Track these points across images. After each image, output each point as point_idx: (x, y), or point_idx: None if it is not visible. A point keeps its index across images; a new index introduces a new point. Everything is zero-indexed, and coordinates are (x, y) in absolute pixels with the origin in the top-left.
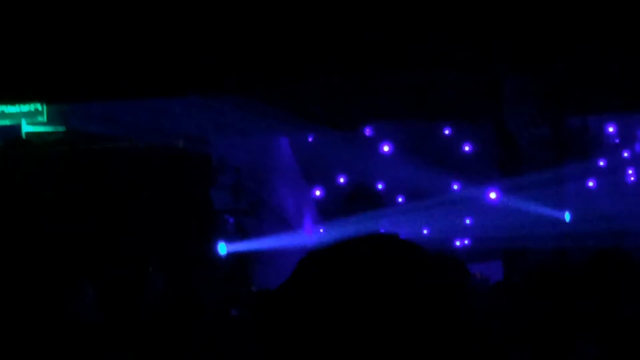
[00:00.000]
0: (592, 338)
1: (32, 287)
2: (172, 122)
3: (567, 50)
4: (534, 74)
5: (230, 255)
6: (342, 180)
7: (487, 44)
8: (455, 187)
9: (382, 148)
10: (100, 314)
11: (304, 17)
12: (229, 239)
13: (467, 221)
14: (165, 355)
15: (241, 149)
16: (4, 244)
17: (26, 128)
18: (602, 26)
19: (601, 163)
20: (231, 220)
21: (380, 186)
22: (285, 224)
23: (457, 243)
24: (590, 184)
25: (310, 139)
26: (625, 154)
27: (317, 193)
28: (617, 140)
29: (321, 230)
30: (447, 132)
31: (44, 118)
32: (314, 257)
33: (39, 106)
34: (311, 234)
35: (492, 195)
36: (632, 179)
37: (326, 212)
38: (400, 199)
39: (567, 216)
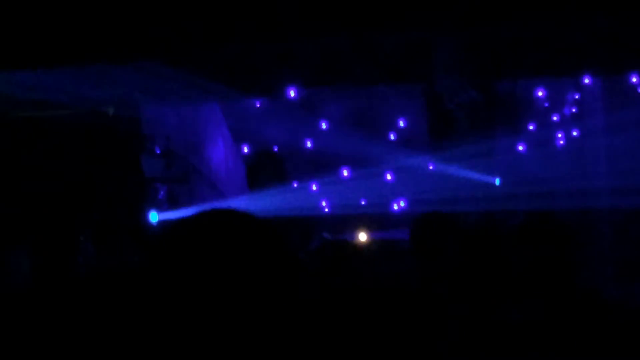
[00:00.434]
0: (517, 302)
1: None
2: (101, 89)
3: (498, 14)
4: (464, 38)
5: (161, 224)
6: (273, 144)
7: (417, 7)
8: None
9: (314, 112)
10: (32, 280)
11: None
12: (160, 207)
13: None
14: (95, 322)
15: (171, 115)
16: None
17: None
18: None
19: (531, 127)
20: (162, 188)
21: (309, 144)
22: (217, 191)
23: (395, 207)
24: (520, 148)
25: (241, 105)
26: (555, 118)
27: (246, 150)
28: (546, 104)
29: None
30: (378, 95)
31: None
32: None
33: None
34: (239, 201)
35: (431, 167)
36: (561, 142)
37: (256, 176)
38: (332, 162)
39: (497, 181)
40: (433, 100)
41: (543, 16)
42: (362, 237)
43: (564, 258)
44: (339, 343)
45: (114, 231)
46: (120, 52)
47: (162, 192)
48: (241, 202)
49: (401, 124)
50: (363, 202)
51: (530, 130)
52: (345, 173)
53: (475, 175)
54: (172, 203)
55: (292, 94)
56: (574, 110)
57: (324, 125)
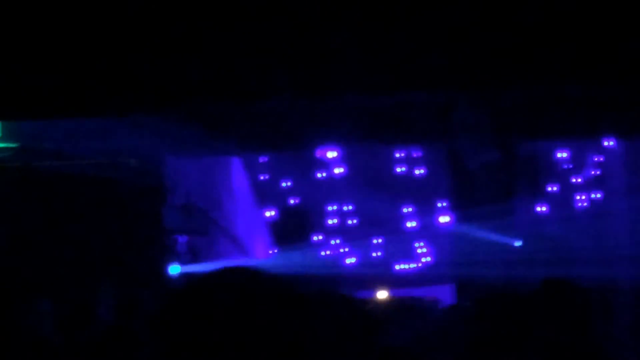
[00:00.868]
0: None
1: None
2: (125, 141)
3: (520, 76)
4: (486, 98)
5: (182, 276)
6: (292, 202)
7: (439, 68)
8: (406, 210)
9: (334, 170)
10: (56, 330)
11: (257, 38)
12: (180, 259)
13: (419, 244)
14: None
15: (193, 168)
16: None
17: None
18: (556, 54)
19: (551, 188)
20: (182, 240)
21: (331, 207)
22: (237, 245)
23: (409, 266)
24: (542, 209)
25: (262, 160)
26: (576, 180)
27: (268, 214)
28: (567, 166)
29: (272, 252)
30: (398, 155)
31: None
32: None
33: None
34: (263, 258)
35: (443, 219)
36: (582, 204)
37: (277, 234)
38: (352, 222)
39: (518, 243)
40: (454, 159)
41: (565, 78)
42: (382, 294)
43: (586, 328)
44: None
45: (135, 283)
46: (146, 104)
47: (182, 244)
48: (265, 260)
49: (422, 180)
50: (382, 258)
51: (551, 192)
52: (376, 241)
53: (495, 236)
54: (192, 255)
55: (327, 154)
56: (596, 172)
57: (343, 180)
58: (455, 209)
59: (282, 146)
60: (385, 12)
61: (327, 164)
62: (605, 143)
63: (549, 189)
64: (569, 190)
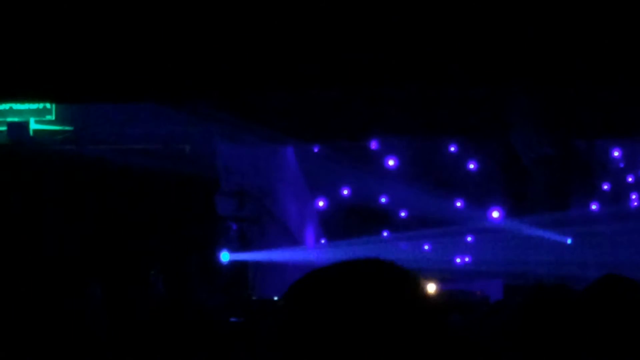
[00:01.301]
0: None
1: (39, 287)
2: (179, 127)
3: (577, 73)
4: (542, 94)
5: (231, 263)
6: (345, 192)
7: (496, 62)
8: (459, 204)
9: (387, 162)
10: (105, 315)
11: (312, 28)
12: (231, 246)
13: (469, 239)
14: (164, 358)
15: (246, 156)
16: (9, 242)
17: (34, 126)
18: (615, 52)
19: (605, 187)
20: (234, 227)
21: (383, 200)
22: (288, 234)
23: (458, 260)
24: (594, 207)
25: (315, 150)
26: (630, 179)
27: (321, 204)
28: (622, 165)
29: (322, 242)
30: (452, 149)
31: (52, 116)
32: (309, 278)
33: (47, 104)
34: (313, 250)
35: (495, 214)
36: (635, 204)
37: (328, 225)
38: (403, 214)
39: (568, 240)
40: (509, 154)
41: (621, 76)
42: (431, 287)
43: None
44: None
45: (185, 267)
46: (199, 91)
47: (233, 232)
48: (317, 251)
49: (475, 175)
50: (429, 252)
51: (605, 190)
52: (426, 234)
53: (547, 234)
54: (243, 243)
55: (372, 144)
56: None
57: (397, 173)
58: (507, 204)
59: (335, 137)
60: (440, 3)
61: (380, 156)
62: None
63: (603, 187)
64: (622, 189)
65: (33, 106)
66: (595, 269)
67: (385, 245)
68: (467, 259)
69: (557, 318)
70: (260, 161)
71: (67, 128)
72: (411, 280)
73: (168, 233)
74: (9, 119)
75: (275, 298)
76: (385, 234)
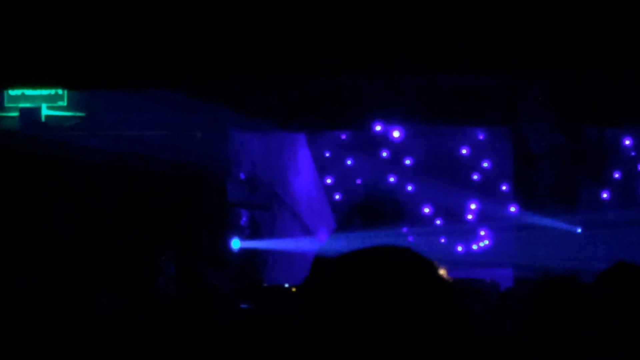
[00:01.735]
0: (595, 355)
1: (53, 274)
2: (191, 114)
3: (588, 60)
4: (552, 81)
5: (242, 250)
6: (359, 182)
7: (506, 51)
8: (468, 192)
9: (398, 152)
10: (118, 300)
11: (322, 15)
12: (242, 233)
13: (480, 227)
14: (176, 344)
15: (257, 142)
16: (21, 229)
17: (46, 112)
18: (627, 39)
19: (616, 175)
20: (245, 213)
21: (396, 189)
22: (299, 221)
23: (460, 249)
24: (604, 195)
25: (327, 138)
26: None
27: (337, 197)
28: (633, 153)
29: (333, 231)
30: (464, 151)
31: (64, 102)
32: (328, 264)
33: (59, 90)
34: (324, 238)
35: (504, 202)
36: None
37: (341, 213)
38: (414, 204)
39: (578, 229)
40: (519, 143)
41: (632, 63)
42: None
43: None
44: None
45: (195, 254)
46: (211, 75)
47: (244, 218)
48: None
49: (485, 165)
50: (443, 241)
51: (616, 179)
52: (438, 222)
53: (557, 224)
54: (254, 230)
55: (378, 128)
56: None
57: (407, 162)
58: (517, 192)
59: (345, 124)
60: None
61: (392, 146)
62: None
63: (614, 175)
64: (633, 178)
65: (45, 92)
66: (606, 258)
67: (395, 234)
68: (479, 246)
69: (569, 306)
70: (271, 148)
71: (79, 114)
72: (431, 266)
73: (179, 219)
74: (21, 105)
75: (286, 285)
76: (398, 224)
